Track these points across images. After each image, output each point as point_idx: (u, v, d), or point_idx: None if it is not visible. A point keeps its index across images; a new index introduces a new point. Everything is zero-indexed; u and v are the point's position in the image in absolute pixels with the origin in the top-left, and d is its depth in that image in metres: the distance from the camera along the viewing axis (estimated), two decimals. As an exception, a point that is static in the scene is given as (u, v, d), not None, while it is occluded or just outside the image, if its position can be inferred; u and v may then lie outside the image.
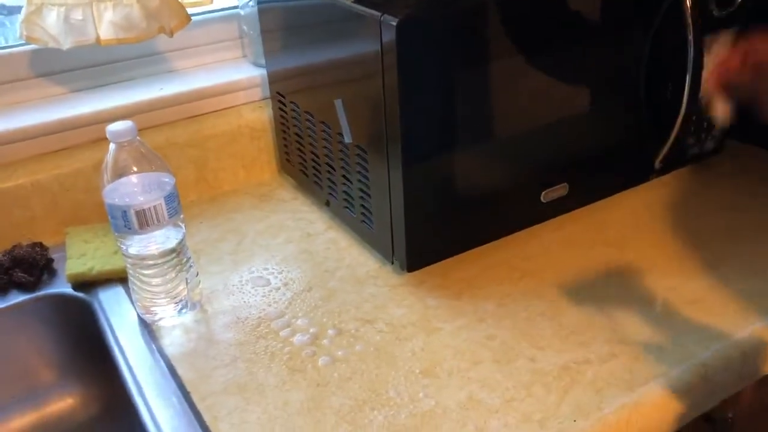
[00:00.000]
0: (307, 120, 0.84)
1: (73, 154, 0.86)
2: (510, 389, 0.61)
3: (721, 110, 0.61)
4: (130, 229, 0.65)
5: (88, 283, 0.77)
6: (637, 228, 0.82)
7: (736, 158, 0.94)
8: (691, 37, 0.76)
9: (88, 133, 0.86)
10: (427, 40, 0.65)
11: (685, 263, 0.75)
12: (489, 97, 0.71)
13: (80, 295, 0.76)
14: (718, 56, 0.70)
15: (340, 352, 0.66)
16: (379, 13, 0.64)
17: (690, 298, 0.70)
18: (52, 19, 0.79)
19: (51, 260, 0.81)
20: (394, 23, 0.62)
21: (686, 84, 0.80)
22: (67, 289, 0.77)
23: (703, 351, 0.64)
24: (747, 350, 0.65)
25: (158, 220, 0.66)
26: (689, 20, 0.75)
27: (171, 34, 0.84)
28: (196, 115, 0.92)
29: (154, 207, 0.65)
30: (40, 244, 0.81)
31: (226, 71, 0.96)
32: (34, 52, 0.88)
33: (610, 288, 0.72)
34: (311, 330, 0.69)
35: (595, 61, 0.77)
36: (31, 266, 0.78)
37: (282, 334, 0.69)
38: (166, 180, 0.67)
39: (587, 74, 0.78)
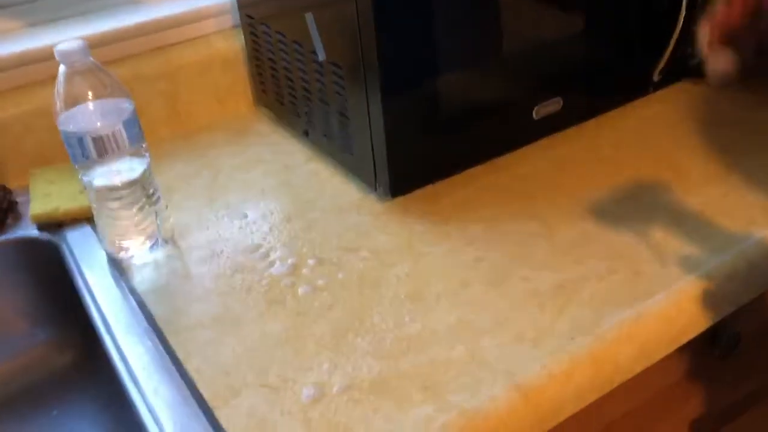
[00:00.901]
0: (280, 42, 0.78)
1: (33, 91, 0.80)
2: (502, 310, 0.57)
3: (722, 63, 0.57)
4: (88, 158, 0.61)
5: (54, 224, 0.73)
6: (635, 144, 0.77)
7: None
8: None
9: (49, 68, 0.81)
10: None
11: (686, 177, 0.71)
12: (474, 12, 0.65)
13: (46, 236, 0.72)
14: (716, 12, 0.68)
15: (321, 281, 0.62)
16: None
17: (691, 210, 0.66)
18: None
19: (15, 203, 0.76)
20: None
21: (684, -11, 0.75)
22: (33, 231, 0.73)
23: (708, 262, 0.60)
24: (753, 260, 0.61)
25: (118, 148, 0.61)
26: None
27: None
28: (163, 46, 0.86)
29: (113, 133, 0.60)
30: (3, 187, 0.76)
31: (193, -1, 0.90)
32: (-17, -17, 0.82)
33: (607, 204, 0.68)
34: (290, 260, 0.65)
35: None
36: (-7, 209, 0.74)
37: (259, 266, 0.65)
38: (125, 105, 0.62)
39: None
